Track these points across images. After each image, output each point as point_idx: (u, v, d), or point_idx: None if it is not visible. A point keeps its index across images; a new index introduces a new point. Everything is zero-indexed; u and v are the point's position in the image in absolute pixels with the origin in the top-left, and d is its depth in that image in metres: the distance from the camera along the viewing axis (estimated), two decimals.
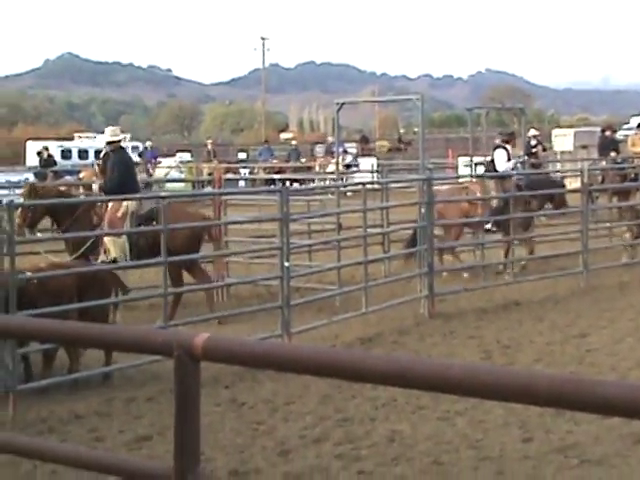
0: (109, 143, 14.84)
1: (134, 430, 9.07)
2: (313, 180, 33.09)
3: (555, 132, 56.49)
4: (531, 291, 15.77)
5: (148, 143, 44.97)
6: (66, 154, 51.93)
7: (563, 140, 53.08)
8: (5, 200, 10.42)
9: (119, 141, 15.02)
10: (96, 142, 55.58)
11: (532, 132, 28.34)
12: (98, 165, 15.82)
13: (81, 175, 37.10)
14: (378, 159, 42.62)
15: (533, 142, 27.63)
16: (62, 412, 9.67)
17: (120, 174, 14.23)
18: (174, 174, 40.40)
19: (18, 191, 26.11)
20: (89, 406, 9.88)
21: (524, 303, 15.06)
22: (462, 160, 34.68)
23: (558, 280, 16.37)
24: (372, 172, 34.29)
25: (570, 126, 69.08)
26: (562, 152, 48.10)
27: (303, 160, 41.81)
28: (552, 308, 14.67)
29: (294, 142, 44.19)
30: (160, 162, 42.25)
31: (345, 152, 42.74)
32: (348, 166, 36.42)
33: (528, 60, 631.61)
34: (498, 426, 8.80)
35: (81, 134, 63.32)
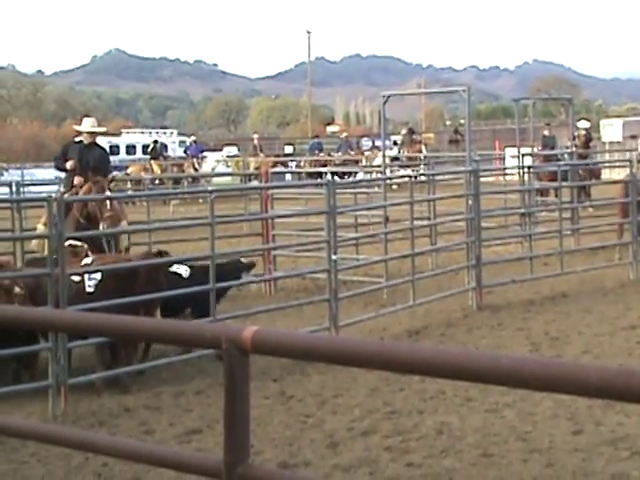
0: (92, 134, 14.30)
1: (183, 423, 9.13)
2: (355, 173, 33.07)
3: (603, 122, 56.10)
4: (579, 283, 15.65)
5: (192, 138, 45.16)
6: (114, 149, 52.35)
7: (611, 130, 52.72)
8: (55, 196, 10.49)
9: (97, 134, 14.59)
10: (144, 137, 56.08)
11: (583, 124, 28.12)
12: (70, 159, 14.10)
13: (129, 170, 37.43)
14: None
15: (582, 133, 27.46)
16: (112, 405, 9.76)
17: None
18: (221, 168, 40.55)
19: None
20: (138, 399, 9.96)
21: (572, 295, 14.96)
22: (509, 151, 34.55)
23: (606, 271, 16.25)
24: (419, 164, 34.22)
25: (619, 116, 68.55)
26: (610, 142, 47.75)
27: (352, 152, 41.76)
28: (600, 300, 14.55)
29: (345, 134, 44.19)
30: (206, 157, 42.40)
31: (395, 143, 42.63)
32: (395, 158, 36.31)
33: (575, 50, 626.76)
34: (547, 418, 8.75)
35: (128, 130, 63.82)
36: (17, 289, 9.99)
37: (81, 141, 14.33)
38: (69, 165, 13.95)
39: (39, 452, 8.18)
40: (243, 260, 12.60)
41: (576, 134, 26.67)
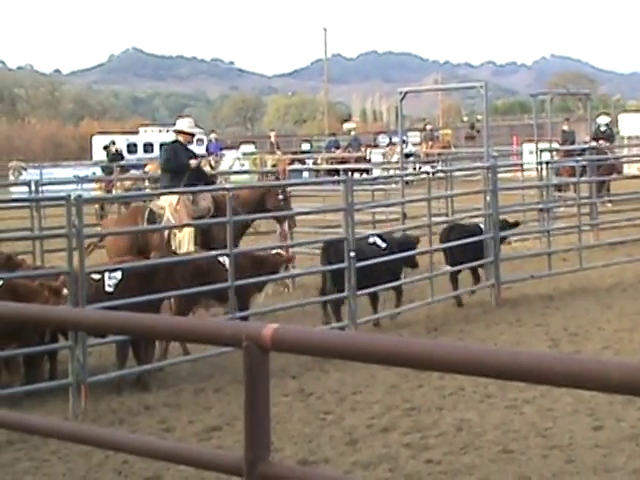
0: (190, 135, 14.48)
1: (203, 421, 9.15)
2: (368, 171, 33.05)
3: (621, 117, 55.87)
4: (598, 278, 15.62)
5: (213, 135, 45.07)
6: (131, 148, 52.45)
7: (630, 124, 52.50)
8: (73, 194, 10.51)
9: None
10: (161, 135, 56.10)
11: (603, 119, 28.06)
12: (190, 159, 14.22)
13: (147, 168, 37.46)
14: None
15: (603, 127, 27.42)
16: (132, 403, 9.79)
17: None
18: (237, 166, 40.53)
19: (86, 185, 26.50)
20: (158, 397, 9.99)
21: (591, 290, 14.92)
22: (527, 147, 34.48)
23: (626, 267, 16.19)
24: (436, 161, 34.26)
25: (637, 110, 68.25)
26: (629, 137, 47.59)
27: (363, 149, 41.69)
28: (620, 295, 14.51)
29: (353, 132, 44.13)
30: (224, 154, 42.39)
31: (404, 142, 42.65)
32: (408, 155, 36.34)
33: (593, 45, 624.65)
34: (567, 414, 8.73)
35: (146, 128, 63.88)
36: (65, 290, 10.00)
37: (176, 141, 14.35)
38: (194, 163, 14.05)
39: (60, 450, 8.21)
40: (509, 219, 15.20)
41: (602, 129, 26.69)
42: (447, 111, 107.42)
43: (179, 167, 14.03)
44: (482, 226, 14.74)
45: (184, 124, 14.44)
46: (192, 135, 14.61)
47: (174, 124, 15.33)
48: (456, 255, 14.54)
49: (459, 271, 14.59)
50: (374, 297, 13.29)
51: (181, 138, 14.33)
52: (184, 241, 13.30)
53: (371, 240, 13.53)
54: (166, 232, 13.31)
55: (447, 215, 17.62)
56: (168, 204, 13.63)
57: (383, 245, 13.42)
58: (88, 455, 8.06)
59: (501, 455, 7.78)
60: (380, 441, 8.31)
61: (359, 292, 12.49)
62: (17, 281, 10.15)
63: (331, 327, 12.10)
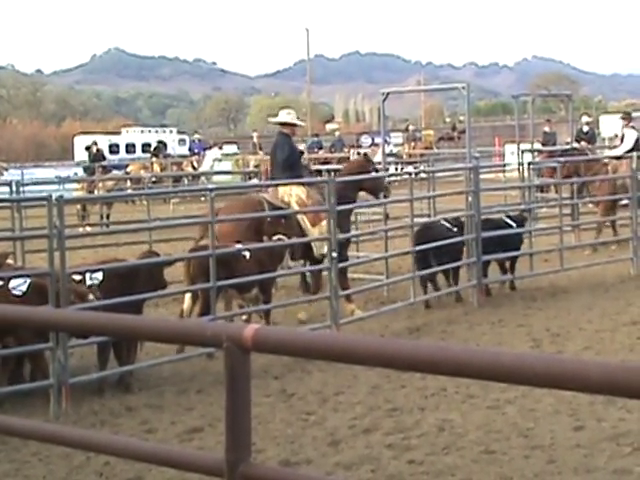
0: (295, 126, 14.50)
1: (185, 422, 9.13)
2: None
3: (603, 118, 56.00)
4: (579, 279, 15.65)
5: (196, 136, 45.01)
6: (113, 148, 52.34)
7: (611, 126, 52.64)
8: (55, 195, 10.46)
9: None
10: (143, 136, 55.96)
11: (586, 119, 28.21)
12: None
13: (129, 169, 37.41)
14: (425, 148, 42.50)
15: (585, 128, 27.54)
16: (113, 405, 9.75)
17: None
18: (216, 167, 40.50)
19: (67, 186, 26.43)
20: (140, 398, 9.95)
21: (573, 291, 14.95)
22: (509, 148, 34.56)
23: (607, 267, 16.24)
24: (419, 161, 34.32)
25: (618, 112, 68.48)
26: (610, 138, 47.72)
27: (346, 150, 41.70)
28: (601, 296, 14.55)
29: (337, 133, 44.16)
30: (205, 155, 42.43)
31: (386, 142, 42.75)
32: (389, 155, 36.44)
33: (575, 46, 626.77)
34: (548, 414, 8.75)
35: (128, 129, 63.68)
36: (91, 296, 9.95)
37: (283, 133, 14.27)
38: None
39: (41, 452, 8.18)
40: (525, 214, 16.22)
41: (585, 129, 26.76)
42: (429, 112, 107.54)
43: (298, 159, 14.29)
44: (508, 221, 15.49)
45: (287, 116, 14.39)
46: (296, 126, 14.57)
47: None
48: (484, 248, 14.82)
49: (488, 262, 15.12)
50: (455, 271, 14.72)
51: (287, 130, 14.25)
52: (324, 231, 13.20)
53: (447, 225, 14.70)
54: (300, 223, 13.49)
55: (429, 216, 17.61)
56: (296, 200, 13.58)
57: (455, 229, 14.61)
58: (69, 457, 8.03)
59: (483, 455, 7.78)
60: (362, 442, 8.30)
61: (447, 266, 14.28)
62: (46, 283, 10.11)
63: (313, 328, 12.09)
